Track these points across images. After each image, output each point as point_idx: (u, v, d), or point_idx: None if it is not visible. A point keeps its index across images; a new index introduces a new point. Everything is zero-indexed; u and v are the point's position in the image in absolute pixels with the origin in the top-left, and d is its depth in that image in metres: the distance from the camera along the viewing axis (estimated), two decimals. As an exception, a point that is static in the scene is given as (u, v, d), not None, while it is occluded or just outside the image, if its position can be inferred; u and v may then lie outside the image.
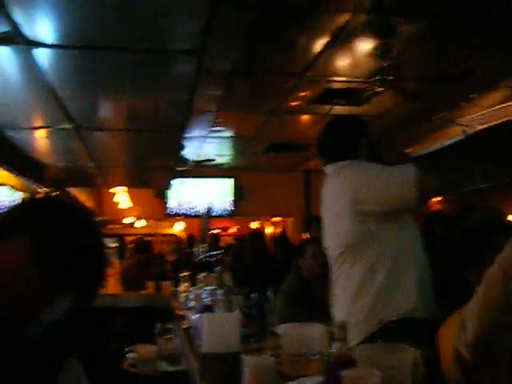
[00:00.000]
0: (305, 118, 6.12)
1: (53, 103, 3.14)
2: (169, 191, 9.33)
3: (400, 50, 4.02)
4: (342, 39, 3.84)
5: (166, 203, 9.64)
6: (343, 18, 3.53)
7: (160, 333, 4.24)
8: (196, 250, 7.22)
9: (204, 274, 4.35)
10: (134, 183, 7.54)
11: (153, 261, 7.73)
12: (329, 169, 2.71)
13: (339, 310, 2.58)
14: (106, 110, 3.57)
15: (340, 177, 2.59)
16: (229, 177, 9.61)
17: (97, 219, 9.02)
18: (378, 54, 4.04)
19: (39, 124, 3.77)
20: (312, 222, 5.55)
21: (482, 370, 1.61)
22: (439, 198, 8.36)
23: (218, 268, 3.87)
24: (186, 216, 9.96)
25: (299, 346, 1.94)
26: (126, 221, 10.92)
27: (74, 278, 1.06)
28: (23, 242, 1.03)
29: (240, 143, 7.46)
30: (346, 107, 5.36)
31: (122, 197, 8.85)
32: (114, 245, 11.40)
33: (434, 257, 2.68)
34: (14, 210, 1.12)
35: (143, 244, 8.01)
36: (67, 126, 3.66)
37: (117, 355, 4.54)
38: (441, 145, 6.55)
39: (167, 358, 3.78)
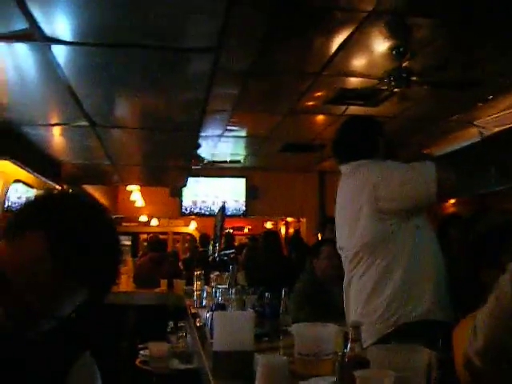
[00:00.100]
0: (320, 118, 6.11)
1: (69, 100, 3.15)
2: (183, 190, 9.36)
3: (416, 50, 4.01)
4: (357, 39, 3.83)
5: (180, 202, 9.67)
6: (359, 18, 3.53)
7: (172, 331, 4.26)
8: (210, 248, 7.23)
9: (217, 273, 4.36)
10: (149, 181, 7.56)
11: (166, 259, 7.76)
12: (344, 168, 2.70)
13: (353, 310, 2.58)
14: (122, 108, 3.58)
15: (357, 175, 2.59)
16: (242, 176, 9.62)
17: (112, 217, 9.07)
18: (394, 54, 4.03)
19: (56, 121, 3.79)
20: (326, 222, 5.54)
21: (492, 377, 1.60)
22: (454, 201, 8.31)
23: (231, 267, 3.87)
24: (200, 215, 9.99)
25: (312, 346, 1.94)
26: (141, 219, 10.97)
27: (89, 273, 1.06)
28: (39, 236, 1.04)
29: (254, 143, 7.46)
30: (362, 108, 5.34)
31: (135, 195, 8.90)
32: (127, 243, 11.53)
33: (449, 259, 2.67)
34: (30, 205, 1.12)
35: (157, 242, 8.05)
36: (83, 123, 3.67)
37: (129, 352, 4.57)
38: (457, 146, 6.51)
39: (179, 356, 3.79)
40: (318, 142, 7.02)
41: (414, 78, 4.17)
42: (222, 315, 2.14)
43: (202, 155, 7.78)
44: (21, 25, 2.19)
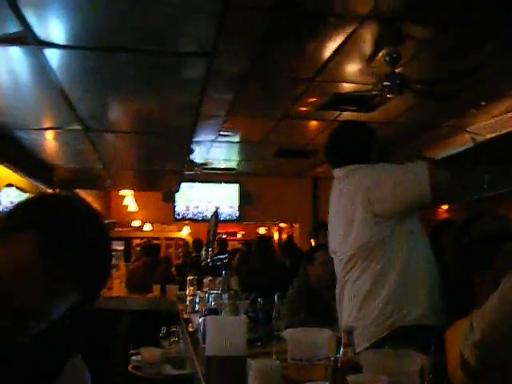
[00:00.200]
0: (313, 123, 6.12)
1: (63, 104, 3.14)
2: (177, 195, 9.34)
3: (409, 56, 4.02)
4: (351, 45, 3.85)
5: (173, 207, 9.66)
6: (353, 24, 3.54)
7: (165, 336, 4.25)
8: (203, 253, 7.22)
9: (210, 278, 4.35)
10: (142, 186, 7.55)
11: (159, 264, 7.74)
12: (337, 172, 2.71)
13: (347, 314, 2.57)
14: (116, 112, 3.57)
15: (350, 179, 2.59)
16: (235, 182, 9.62)
17: (105, 221, 9.04)
18: (387, 60, 4.05)
19: (49, 125, 3.77)
20: (320, 228, 5.54)
21: (485, 374, 1.61)
22: (447, 207, 8.34)
23: (224, 272, 3.87)
24: (193, 220, 9.97)
25: (305, 351, 1.93)
26: (134, 224, 10.94)
27: (79, 276, 1.06)
28: (30, 238, 1.03)
29: (248, 148, 7.47)
30: (355, 113, 5.36)
31: (128, 200, 8.88)
32: (120, 248, 11.50)
33: (442, 264, 2.67)
34: (21, 207, 1.12)
35: (150, 247, 8.02)
36: (77, 127, 3.66)
37: (121, 358, 4.54)
38: (450, 153, 6.53)
39: (172, 362, 3.78)
40: (311, 147, 7.04)
41: (407, 85, 4.19)
42: (214, 320, 2.13)
43: (196, 160, 7.77)
44: (14, 28, 2.18)
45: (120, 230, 11.37)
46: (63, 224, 1.06)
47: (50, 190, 5.21)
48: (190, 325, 3.48)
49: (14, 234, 1.04)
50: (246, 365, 1.81)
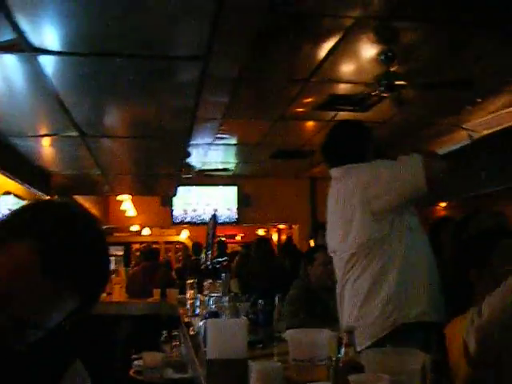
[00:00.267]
0: (310, 124, 6.12)
1: (58, 110, 3.14)
2: (174, 199, 9.34)
3: (404, 55, 4.03)
4: (345, 45, 3.85)
5: (171, 211, 9.66)
6: (347, 24, 3.54)
7: (166, 340, 4.24)
8: (202, 257, 7.21)
9: (210, 281, 4.35)
10: (139, 191, 7.55)
11: (159, 268, 7.73)
12: (334, 172, 2.71)
13: (348, 314, 2.57)
14: (112, 117, 3.57)
15: (348, 178, 2.60)
16: (233, 184, 9.62)
17: (103, 227, 9.05)
18: (382, 59, 4.05)
19: (45, 132, 3.77)
20: (318, 228, 5.54)
21: (485, 363, 1.62)
22: (445, 204, 8.34)
23: (224, 275, 3.86)
24: (191, 224, 9.97)
25: (306, 352, 1.93)
26: (133, 229, 10.93)
27: (77, 283, 1.06)
28: (27, 245, 1.03)
29: (245, 150, 7.47)
30: (351, 113, 5.36)
31: (127, 204, 8.87)
32: (119, 253, 11.49)
33: (441, 262, 2.68)
34: (18, 214, 1.12)
35: (150, 251, 8.01)
36: (73, 133, 3.66)
37: (123, 363, 4.53)
38: (447, 150, 6.54)
39: (173, 366, 3.78)
40: (308, 148, 7.04)
41: (403, 83, 4.19)
42: (215, 323, 2.12)
43: (193, 164, 7.77)
44: (8, 36, 2.18)
45: (119, 235, 11.37)
46: (60, 230, 1.06)
47: (47, 197, 5.20)
48: (191, 328, 3.47)
49: (11, 242, 1.04)
50: (247, 367, 1.81)
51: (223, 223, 9.68)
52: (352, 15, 3.44)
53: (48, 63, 2.51)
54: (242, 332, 1.91)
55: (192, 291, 4.40)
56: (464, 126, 6.09)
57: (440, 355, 1.67)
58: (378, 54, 4.00)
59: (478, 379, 1.68)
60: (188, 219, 9.78)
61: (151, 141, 4.09)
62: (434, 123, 6.04)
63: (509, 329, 1.60)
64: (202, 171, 8.37)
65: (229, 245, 10.20)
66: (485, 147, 6.18)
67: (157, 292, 6.82)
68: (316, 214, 9.09)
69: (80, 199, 7.01)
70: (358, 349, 1.59)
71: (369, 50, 3.98)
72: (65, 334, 1.17)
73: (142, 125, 3.68)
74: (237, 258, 6.73)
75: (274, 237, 13.63)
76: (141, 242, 11.01)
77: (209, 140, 6.59)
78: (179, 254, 12.07)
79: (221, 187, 9.70)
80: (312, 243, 6.31)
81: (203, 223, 9.21)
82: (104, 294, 6.81)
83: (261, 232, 13.37)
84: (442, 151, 6.58)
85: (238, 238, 13.68)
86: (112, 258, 9.50)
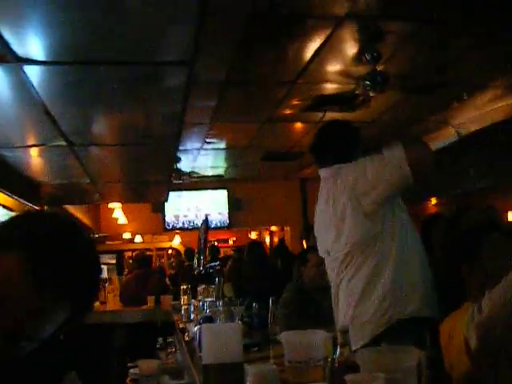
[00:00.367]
0: (298, 125, 6.13)
1: (45, 120, 3.13)
2: (165, 205, 9.32)
3: (390, 53, 4.04)
4: (331, 45, 3.86)
5: (163, 217, 9.64)
6: (332, 25, 3.55)
7: (162, 347, 4.23)
8: (195, 262, 7.19)
9: (204, 286, 4.34)
10: (130, 198, 7.52)
11: (151, 275, 7.71)
12: (323, 172, 2.72)
13: (343, 314, 2.58)
14: (99, 125, 3.56)
15: (337, 178, 2.61)
16: (223, 188, 9.62)
17: (95, 236, 9.02)
18: (368, 58, 4.06)
19: (32, 142, 3.75)
20: (310, 229, 5.54)
21: (485, 359, 1.63)
22: (436, 201, 8.38)
23: (217, 279, 3.86)
24: (183, 229, 9.95)
25: (302, 354, 1.93)
26: (125, 236, 10.91)
27: (67, 293, 1.05)
28: (15, 257, 1.02)
29: (234, 154, 7.46)
30: (339, 113, 5.37)
31: (118, 212, 8.85)
32: (112, 261, 11.45)
33: (432, 259, 2.69)
34: (6, 226, 1.11)
35: (143, 258, 7.99)
36: (61, 142, 3.64)
37: (119, 371, 4.51)
38: (435, 147, 6.56)
39: (170, 372, 3.76)
40: (297, 149, 7.05)
41: (389, 82, 4.20)
42: (209, 328, 2.12)
43: (183, 169, 7.76)
44: (-8, 46, 2.17)
45: (111, 243, 11.34)
46: (48, 241, 1.05)
47: (37, 208, 5.17)
48: (186, 334, 3.47)
49: (0, 253, 1.03)
50: (243, 371, 1.81)
51: (215, 228, 9.68)
52: (336, 16, 3.44)
53: (33, 73, 2.50)
54: (237, 336, 1.91)
55: (186, 297, 4.40)
56: (452, 123, 6.12)
57: (434, 351, 1.67)
58: (364, 54, 4.01)
59: (479, 377, 1.68)
60: (180, 225, 9.76)
61: (140, 148, 4.07)
62: (421, 120, 6.06)
63: (509, 325, 1.60)
64: (192, 176, 8.36)
65: (221, 249, 10.20)
66: (473, 143, 6.21)
67: (151, 299, 6.80)
68: (307, 215, 9.11)
69: (71, 209, 6.98)
70: (354, 348, 1.59)
71: (355, 50, 3.99)
72: (59, 345, 1.16)
73: (130, 132, 3.67)
74: (229, 262, 6.73)
75: (267, 239, 13.63)
76: (133, 250, 10.99)
77: (198, 145, 6.58)
78: (172, 260, 12.05)
79: (211, 192, 9.70)
80: (304, 244, 6.32)
81: (195, 228, 9.20)
82: (98, 303, 6.79)
83: (253, 235, 13.38)
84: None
85: (230, 242, 13.68)
86: (105, 267, 9.47)
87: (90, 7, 1.95)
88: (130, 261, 10.45)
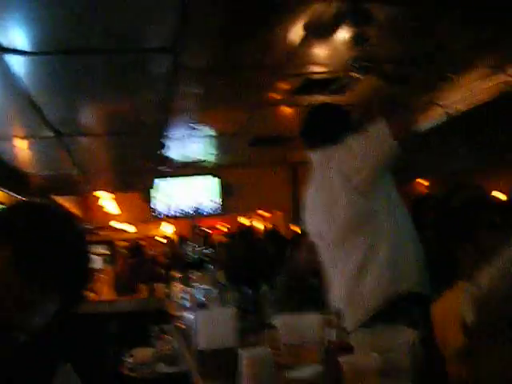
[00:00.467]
0: (287, 110, 6.10)
1: (31, 111, 3.10)
2: (156, 193, 9.28)
3: (375, 35, 4.02)
4: (317, 29, 3.82)
5: (154, 205, 9.60)
6: (318, 8, 3.52)
7: (156, 335, 4.23)
8: (187, 249, 7.21)
9: (197, 273, 4.34)
10: (119, 187, 7.50)
11: (144, 264, 7.71)
12: (314, 155, 2.72)
13: (339, 294, 2.58)
14: (86, 115, 3.53)
15: (326, 161, 2.61)
16: (214, 175, 9.59)
17: (86, 226, 8.99)
18: (354, 41, 4.04)
19: (19, 133, 3.73)
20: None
21: (483, 333, 1.64)
22: (427, 183, 8.40)
23: (210, 266, 3.86)
24: (174, 217, 9.92)
25: (297, 336, 1.94)
26: (116, 226, 10.88)
27: (55, 281, 1.04)
28: (4, 249, 1.01)
29: (224, 140, 7.43)
30: (328, 97, 5.35)
31: (108, 202, 8.81)
32: (105, 252, 11.43)
33: (423, 238, 2.69)
34: None
35: (135, 248, 7.99)
36: (48, 133, 3.62)
37: (114, 361, 4.52)
38: (424, 127, 6.56)
39: (165, 360, 3.78)
40: (287, 134, 7.02)
41: (376, 64, 4.18)
42: (203, 314, 2.12)
43: (172, 157, 7.72)
44: (-27, 37, 2.14)
45: (103, 233, 11.30)
46: (34, 232, 1.05)
47: (25, 199, 5.14)
48: (181, 321, 3.47)
49: None
50: (238, 355, 1.81)
51: (207, 215, 9.66)
52: (322, -2, 3.41)
53: (16, 63, 2.48)
54: (231, 321, 1.91)
55: (180, 284, 4.40)
56: (440, 103, 6.11)
57: (426, 330, 1.68)
58: (351, 37, 3.99)
59: (476, 351, 1.69)
60: (171, 213, 9.73)
61: (127, 136, 4.06)
62: (409, 101, 6.04)
63: (507, 299, 1.61)
64: (181, 164, 8.32)
65: (213, 236, 10.19)
66: (462, 123, 6.21)
67: (145, 288, 6.81)
68: (299, 200, 9.11)
69: (60, 199, 6.95)
70: (352, 328, 1.60)
71: (342, 33, 3.96)
72: (53, 336, 1.16)
73: (117, 120, 3.65)
74: (222, 248, 6.73)
75: (260, 225, 13.64)
76: (126, 239, 10.97)
77: (186, 132, 6.54)
78: (165, 248, 12.05)
79: (202, 179, 9.67)
80: (297, 228, 6.33)
81: (187, 216, 9.18)
82: (92, 294, 6.79)
83: (245, 221, 13.39)
84: (420, 129, 6.61)
85: (223, 228, 13.68)
86: (97, 257, 9.45)
87: (72, -5, 1.92)
88: (123, 250, 10.44)
